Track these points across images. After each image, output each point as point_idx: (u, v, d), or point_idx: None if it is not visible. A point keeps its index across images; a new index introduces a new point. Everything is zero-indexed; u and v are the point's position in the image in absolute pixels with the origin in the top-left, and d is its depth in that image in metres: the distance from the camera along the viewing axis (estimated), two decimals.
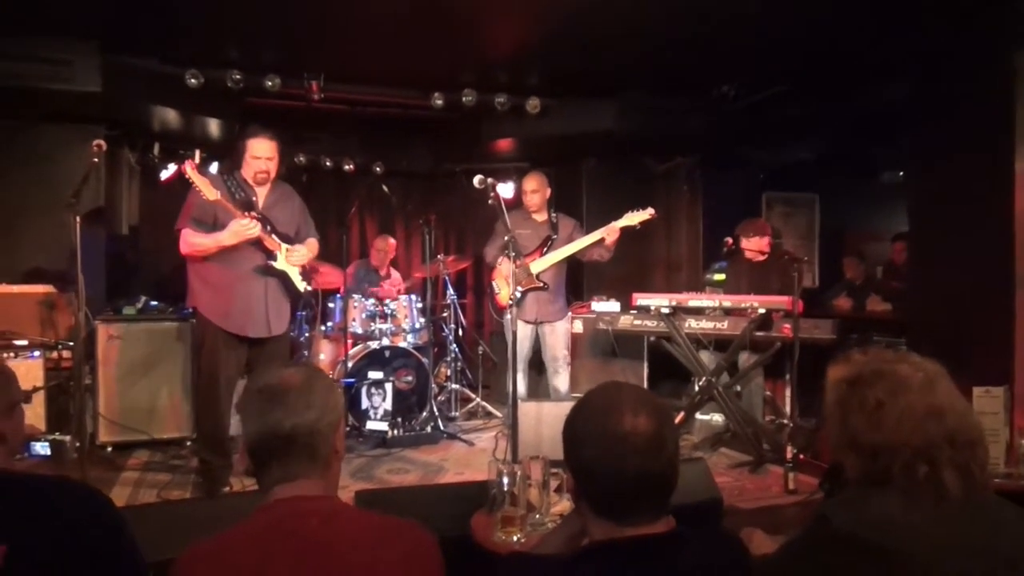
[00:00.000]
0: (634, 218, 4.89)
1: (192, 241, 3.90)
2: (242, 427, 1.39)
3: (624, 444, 1.17)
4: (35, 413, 4.38)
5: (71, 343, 4.56)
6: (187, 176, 3.80)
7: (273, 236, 4.01)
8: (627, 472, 1.16)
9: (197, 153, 6.29)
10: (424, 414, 5.42)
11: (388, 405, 5.27)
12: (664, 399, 1.29)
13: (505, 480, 2.32)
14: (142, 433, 4.82)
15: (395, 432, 5.09)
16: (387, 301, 5.63)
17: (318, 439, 1.36)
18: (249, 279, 3.97)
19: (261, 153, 4.01)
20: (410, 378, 5.50)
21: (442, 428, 5.33)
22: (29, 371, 4.43)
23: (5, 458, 1.55)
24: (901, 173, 7.25)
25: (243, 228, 3.82)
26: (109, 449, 4.77)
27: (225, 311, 3.93)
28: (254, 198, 4.05)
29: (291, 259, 4.08)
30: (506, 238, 3.97)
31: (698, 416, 5.49)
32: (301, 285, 4.17)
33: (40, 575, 1.37)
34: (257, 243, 3.93)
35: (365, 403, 5.24)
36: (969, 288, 4.21)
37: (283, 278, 4.09)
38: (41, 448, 3.99)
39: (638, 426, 1.18)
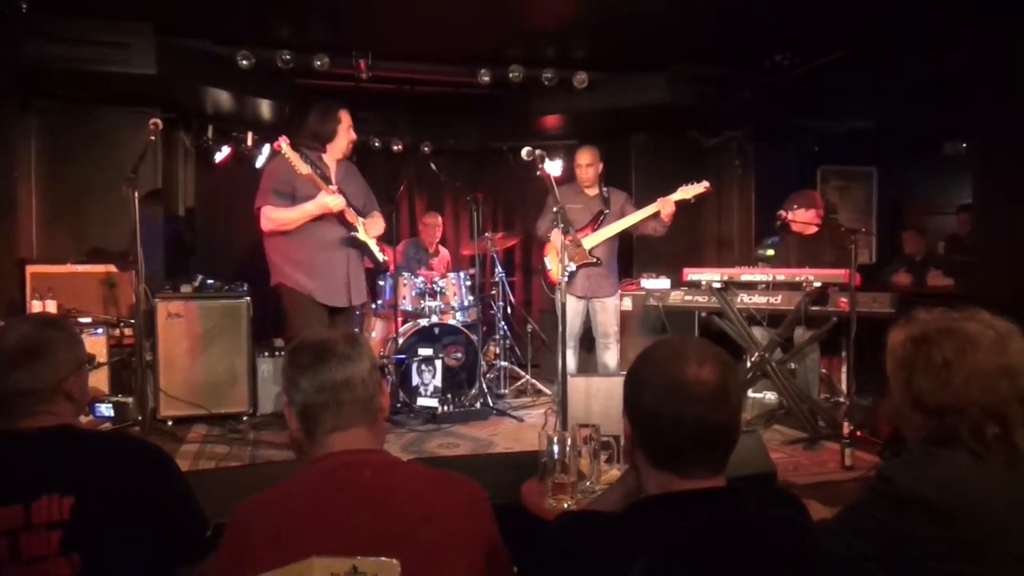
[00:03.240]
0: (688, 191, 4.80)
1: (275, 216, 3.98)
2: (290, 388, 1.40)
3: (687, 391, 1.15)
4: (99, 388, 4.54)
5: (132, 320, 4.72)
6: (281, 151, 3.90)
7: (350, 209, 4.11)
8: (687, 419, 1.14)
9: (249, 135, 6.40)
10: (473, 391, 5.44)
11: (438, 382, 5.31)
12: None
13: (555, 448, 2.31)
14: (200, 408, 4.96)
15: (445, 408, 5.14)
16: (436, 279, 5.66)
17: (370, 389, 1.38)
18: (332, 250, 4.09)
19: (350, 122, 4.17)
20: (459, 355, 5.53)
21: (491, 404, 5.36)
22: (93, 347, 4.58)
23: (72, 415, 1.60)
24: (964, 144, 6.99)
25: (330, 200, 3.93)
26: (170, 423, 4.91)
27: (313, 282, 4.04)
28: (328, 173, 4.15)
29: (370, 231, 4.23)
30: (555, 209, 3.93)
31: (751, 393, 5.40)
32: (380, 256, 4.32)
33: (104, 526, 1.42)
34: (338, 216, 4.04)
35: (416, 380, 5.29)
36: None
37: (363, 249, 4.23)
38: (105, 409, 4.14)
39: (702, 375, 1.16)
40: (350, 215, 4.09)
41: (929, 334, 1.47)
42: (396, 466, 1.36)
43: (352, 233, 4.12)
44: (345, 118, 4.16)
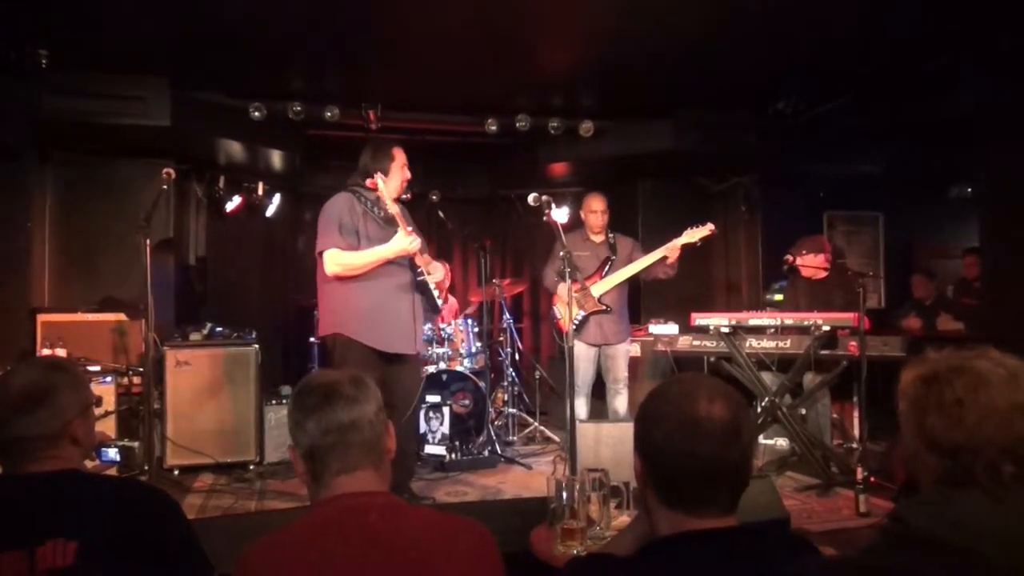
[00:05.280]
0: (694, 235, 4.82)
1: (346, 260, 3.71)
2: (295, 430, 1.39)
3: (698, 427, 1.14)
4: (105, 432, 4.52)
5: (141, 368, 4.73)
6: (375, 189, 3.78)
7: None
8: (699, 456, 1.13)
9: (260, 185, 6.51)
10: (481, 438, 5.40)
11: (446, 429, 5.28)
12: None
13: (565, 494, 2.28)
14: (207, 456, 4.92)
15: (453, 456, 5.09)
16: (444, 325, 5.66)
17: (376, 431, 1.37)
18: (398, 295, 3.87)
19: (405, 161, 3.96)
20: (467, 402, 5.50)
21: (500, 452, 5.30)
22: (102, 395, 4.56)
23: (78, 459, 1.60)
24: (969, 189, 7.01)
25: (409, 242, 3.74)
26: (176, 472, 4.88)
27: (379, 330, 3.79)
28: (392, 214, 3.96)
29: (433, 274, 4.01)
30: (562, 254, 3.95)
31: (762, 440, 5.33)
32: (439, 301, 4.11)
33: (109, 571, 1.40)
34: (407, 258, 3.86)
35: (423, 427, 5.25)
36: None
37: (426, 293, 4.01)
38: (113, 454, 4.11)
39: (713, 412, 1.15)
40: (420, 258, 3.90)
41: (940, 373, 1.45)
42: (403, 509, 1.35)
43: (420, 277, 3.91)
44: (399, 156, 3.94)
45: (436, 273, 4.06)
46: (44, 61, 4.47)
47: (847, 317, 4.45)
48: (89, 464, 2.44)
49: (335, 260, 3.71)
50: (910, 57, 4.76)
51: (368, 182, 3.82)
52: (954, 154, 6.02)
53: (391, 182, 3.90)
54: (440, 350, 5.57)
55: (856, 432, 5.18)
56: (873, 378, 4.24)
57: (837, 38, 4.49)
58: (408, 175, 3.98)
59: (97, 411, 4.13)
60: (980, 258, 5.47)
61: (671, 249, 4.80)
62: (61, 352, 4.76)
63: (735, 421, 1.16)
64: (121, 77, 4.80)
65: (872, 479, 3.92)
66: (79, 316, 5.05)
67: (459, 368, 5.59)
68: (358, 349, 3.75)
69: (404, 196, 4.05)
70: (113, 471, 4.10)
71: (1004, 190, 4.54)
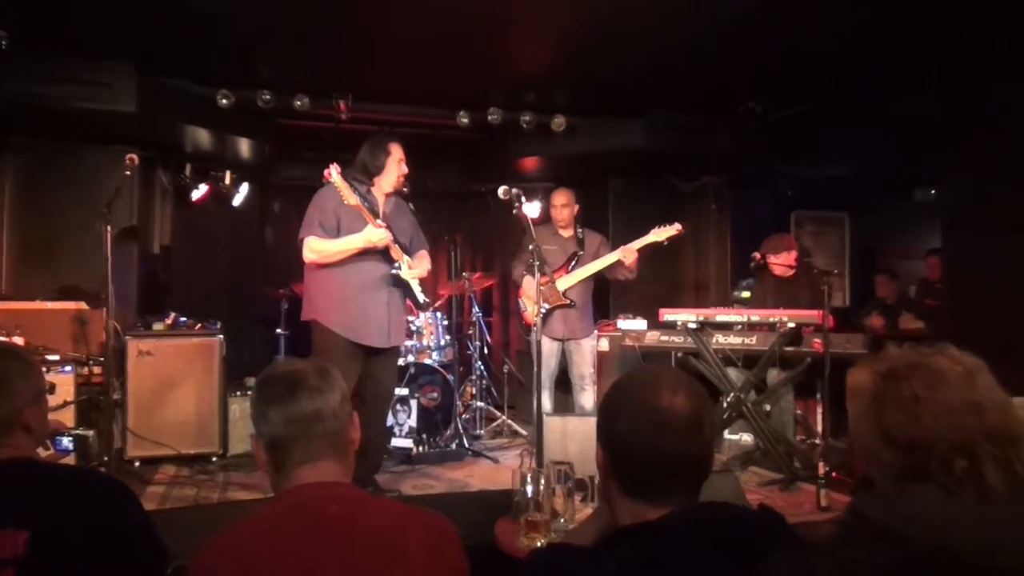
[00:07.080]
0: (661, 234, 4.86)
1: (318, 247, 3.86)
2: (258, 420, 1.38)
3: (660, 420, 1.15)
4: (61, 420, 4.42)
5: (102, 358, 4.63)
6: (330, 180, 3.79)
7: (396, 245, 3.98)
8: (661, 449, 1.14)
9: (228, 174, 6.41)
10: (449, 431, 5.38)
11: (413, 422, 5.25)
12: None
13: (529, 487, 2.28)
14: (170, 448, 4.84)
15: (420, 449, 5.07)
16: (412, 318, 5.63)
17: (340, 422, 1.36)
18: (373, 288, 3.95)
19: (402, 156, 4.08)
20: (435, 395, 5.49)
21: (467, 446, 5.29)
22: (61, 385, 4.47)
23: (30, 447, 1.56)
24: (933, 192, 7.16)
25: (376, 234, 3.80)
26: (137, 464, 4.79)
27: (350, 321, 3.89)
28: (377, 207, 4.03)
29: (414, 271, 4.07)
30: (531, 247, 3.96)
31: (727, 435, 5.39)
32: (421, 298, 4.17)
33: (61, 562, 1.37)
34: (383, 252, 3.92)
35: (390, 420, 5.21)
36: (1008, 300, 4.11)
37: (405, 289, 4.09)
38: (68, 443, 4.03)
39: (676, 404, 1.16)
40: (396, 252, 3.96)
41: (898, 369, 1.47)
42: (364, 500, 1.34)
43: (394, 271, 3.98)
44: (396, 151, 4.05)
45: (418, 267, 4.11)
46: (4, 43, 4.34)
47: (812, 315, 4.51)
48: (44, 453, 2.39)
49: (310, 247, 3.88)
50: (877, 61, 4.83)
51: (325, 172, 3.85)
52: (919, 157, 6.13)
53: (387, 176, 4.04)
54: (409, 343, 5.54)
55: (819, 428, 5.26)
56: (836, 375, 4.30)
57: (806, 41, 4.53)
58: (405, 170, 4.09)
59: (56, 401, 4.06)
60: (942, 259, 5.59)
61: (626, 252, 4.83)
62: (18, 340, 4.63)
63: (697, 414, 1.17)
64: (86, 62, 4.68)
65: (833, 474, 3.98)
66: (38, 304, 4.92)
67: (427, 361, 5.57)
68: (334, 337, 3.87)
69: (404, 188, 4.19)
70: (71, 460, 4.01)
71: (965, 193, 4.63)
